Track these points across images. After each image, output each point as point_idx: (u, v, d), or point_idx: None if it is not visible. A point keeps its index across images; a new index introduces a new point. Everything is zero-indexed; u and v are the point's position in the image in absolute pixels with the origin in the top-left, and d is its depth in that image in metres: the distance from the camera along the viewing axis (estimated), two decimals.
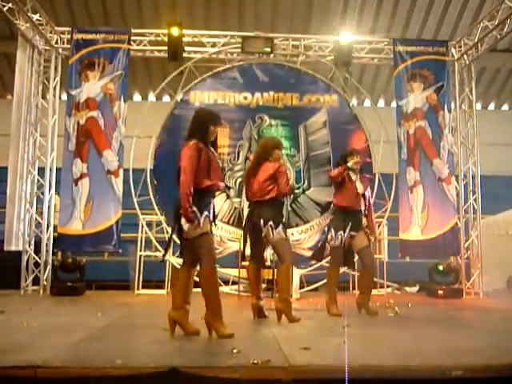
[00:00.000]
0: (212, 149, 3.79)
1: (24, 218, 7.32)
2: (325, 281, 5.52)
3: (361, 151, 7.85)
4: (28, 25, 7.30)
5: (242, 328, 4.04)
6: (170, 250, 7.32)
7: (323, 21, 10.54)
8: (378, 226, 7.83)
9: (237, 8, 10.83)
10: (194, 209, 3.53)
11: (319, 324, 4.51)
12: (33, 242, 7.39)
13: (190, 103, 7.98)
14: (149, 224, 7.76)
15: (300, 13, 10.85)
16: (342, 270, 5.70)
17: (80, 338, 3.46)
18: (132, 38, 7.84)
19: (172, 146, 7.31)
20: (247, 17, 10.90)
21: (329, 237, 5.08)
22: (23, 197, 7.34)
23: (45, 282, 7.26)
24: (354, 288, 7.22)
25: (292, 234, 7.35)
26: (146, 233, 7.54)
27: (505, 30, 7.35)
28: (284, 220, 4.81)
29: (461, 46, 8.18)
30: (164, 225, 7.56)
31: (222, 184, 3.81)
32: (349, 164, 5.16)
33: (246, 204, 5.65)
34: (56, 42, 7.82)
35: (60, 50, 7.87)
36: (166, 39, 7.81)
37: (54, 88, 7.76)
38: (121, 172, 7.44)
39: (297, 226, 7.81)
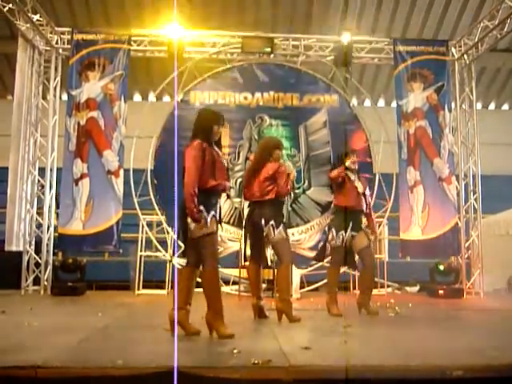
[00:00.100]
0: (216, 148, 3.79)
1: (25, 218, 7.32)
2: (325, 281, 5.53)
3: (361, 151, 7.94)
4: (28, 25, 7.30)
5: (243, 328, 4.04)
6: (170, 250, 7.39)
7: (323, 21, 10.56)
8: (379, 226, 7.83)
9: (237, 8, 10.83)
10: (202, 208, 3.53)
11: (320, 324, 4.51)
12: (33, 243, 7.39)
13: (190, 103, 7.99)
14: (149, 224, 7.77)
15: (300, 13, 10.85)
16: (343, 269, 5.70)
17: (80, 338, 3.46)
18: (132, 38, 7.84)
19: (172, 146, 7.31)
20: (247, 17, 10.89)
21: (329, 236, 5.08)
22: (24, 197, 7.34)
23: (45, 282, 7.26)
24: (354, 288, 7.23)
25: (292, 234, 7.35)
26: (146, 233, 7.54)
27: (505, 29, 7.34)
28: (284, 220, 4.82)
29: (461, 46, 8.17)
30: (164, 225, 7.56)
31: (227, 184, 3.80)
32: (346, 163, 5.16)
33: (246, 204, 5.64)
34: (56, 43, 7.82)
35: (60, 51, 7.87)
36: (166, 39, 7.80)
37: (55, 88, 7.76)
38: (121, 172, 7.44)
39: (297, 225, 7.81)
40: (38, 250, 7.36)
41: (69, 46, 7.73)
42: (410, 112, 7.90)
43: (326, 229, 5.23)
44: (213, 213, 3.60)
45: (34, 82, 7.56)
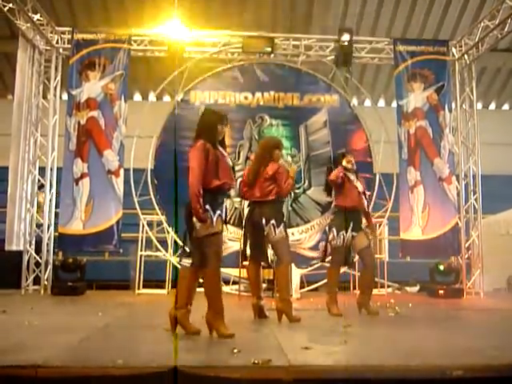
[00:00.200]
0: (221, 148, 3.78)
1: (25, 218, 7.32)
2: (325, 281, 5.53)
3: (361, 151, 7.96)
4: (29, 25, 7.30)
5: (243, 328, 4.04)
6: (171, 250, 7.40)
7: (324, 21, 10.57)
8: (379, 226, 7.84)
9: (237, 8, 10.83)
10: (208, 208, 3.53)
11: (320, 324, 4.51)
12: (33, 242, 7.39)
13: (191, 103, 7.99)
14: (149, 224, 7.78)
15: (300, 13, 10.86)
16: (343, 270, 5.70)
17: (81, 337, 3.46)
18: (132, 37, 7.85)
19: (172, 145, 7.33)
20: (248, 16, 10.90)
21: (330, 236, 5.08)
22: (24, 196, 7.34)
23: (45, 282, 7.26)
24: (354, 288, 7.23)
25: (292, 234, 7.35)
26: (146, 233, 7.55)
27: (505, 29, 7.34)
28: (284, 219, 4.82)
29: (461, 46, 8.17)
30: (164, 225, 7.56)
31: (233, 183, 3.79)
32: (343, 164, 5.15)
33: (245, 204, 5.64)
34: (57, 42, 7.82)
35: (61, 50, 7.88)
36: (166, 39, 7.79)
37: (55, 88, 7.76)
38: (121, 172, 7.44)
39: (297, 225, 7.81)
40: (38, 250, 7.37)
41: (69, 46, 7.73)
42: (410, 112, 7.90)
43: (327, 229, 5.22)
44: (219, 212, 3.60)
45: (34, 81, 7.56)
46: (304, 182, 7.96)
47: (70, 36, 7.75)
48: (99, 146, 7.47)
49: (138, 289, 7.23)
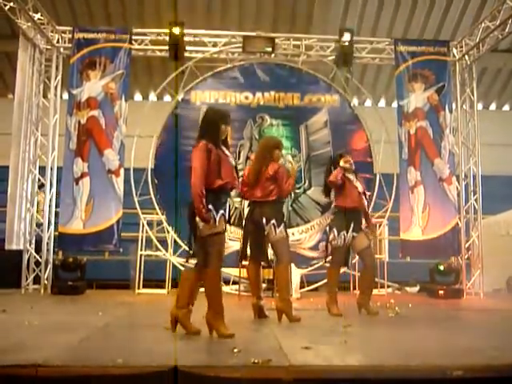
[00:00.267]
0: (224, 148, 3.77)
1: (25, 217, 7.32)
2: (325, 281, 5.53)
3: (361, 151, 7.97)
4: (29, 24, 7.31)
5: (243, 327, 4.04)
6: (171, 250, 7.40)
7: (324, 21, 10.57)
8: (379, 226, 7.84)
9: (238, 7, 10.84)
10: (211, 207, 3.53)
11: (320, 324, 4.51)
12: (34, 241, 7.39)
13: (191, 103, 7.99)
14: (149, 223, 7.78)
15: (301, 12, 10.86)
16: (343, 270, 5.70)
17: (81, 337, 3.46)
18: (133, 37, 7.84)
19: (173, 145, 7.33)
20: (248, 16, 10.91)
21: (331, 236, 5.07)
22: (24, 196, 7.34)
23: (46, 281, 7.26)
24: (354, 288, 7.23)
25: (293, 234, 7.36)
26: (146, 232, 7.55)
27: (506, 30, 7.34)
28: (285, 219, 4.82)
29: (462, 47, 8.17)
30: (165, 224, 7.57)
31: (236, 182, 3.78)
32: (341, 164, 5.13)
33: (246, 203, 5.64)
34: (57, 42, 7.82)
35: (61, 50, 7.88)
36: (167, 38, 7.81)
37: (55, 87, 7.76)
38: (122, 171, 7.44)
39: (297, 225, 7.81)
40: (38, 249, 7.37)
41: (70, 45, 7.74)
42: (410, 112, 7.90)
43: (327, 229, 5.21)
44: (222, 212, 3.59)
45: (34, 80, 7.56)
46: (304, 182, 7.97)
47: (70, 35, 7.75)
48: (99, 145, 7.47)
49: (138, 288, 7.23)
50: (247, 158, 7.69)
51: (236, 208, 7.61)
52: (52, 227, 7.49)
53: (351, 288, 7.39)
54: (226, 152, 3.76)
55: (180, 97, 7.97)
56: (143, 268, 7.29)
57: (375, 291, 6.57)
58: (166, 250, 7.44)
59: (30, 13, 7.14)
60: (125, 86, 7.68)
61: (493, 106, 14.09)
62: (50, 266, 7.31)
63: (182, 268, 7.25)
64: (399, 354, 3.06)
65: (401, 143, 7.88)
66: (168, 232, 7.51)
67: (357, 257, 5.94)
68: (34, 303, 5.68)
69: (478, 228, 7.80)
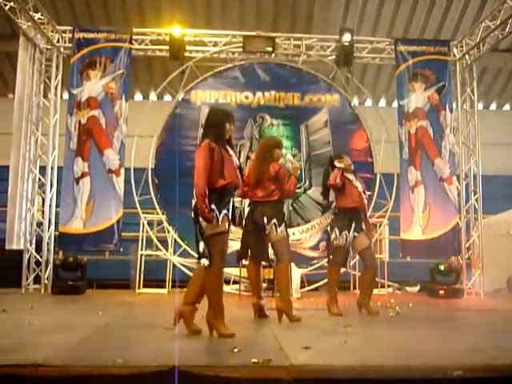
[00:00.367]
0: (228, 147, 3.76)
1: (25, 217, 7.32)
2: (325, 280, 5.53)
3: (362, 151, 7.97)
4: (29, 24, 7.30)
5: (243, 327, 4.04)
6: (171, 249, 7.40)
7: (325, 20, 10.57)
8: (379, 226, 7.84)
9: (238, 7, 10.83)
10: (213, 207, 3.53)
11: (320, 323, 4.51)
12: (34, 241, 7.39)
13: (192, 103, 7.99)
14: (150, 223, 7.77)
15: (302, 12, 10.86)
16: (343, 270, 5.69)
17: (81, 336, 3.47)
18: (133, 37, 7.83)
19: (173, 145, 7.33)
20: (248, 16, 10.91)
21: (333, 236, 5.06)
22: (24, 196, 7.35)
23: (46, 281, 7.27)
24: (354, 288, 7.23)
25: (293, 234, 7.35)
26: (147, 232, 7.55)
27: (506, 29, 7.33)
28: (285, 219, 4.82)
29: (462, 46, 8.17)
30: (165, 224, 7.57)
31: (239, 182, 3.77)
32: (337, 165, 5.12)
33: (246, 203, 5.64)
34: (57, 41, 7.82)
35: (61, 49, 7.87)
36: (167, 38, 7.81)
37: (56, 87, 7.75)
38: (122, 171, 7.44)
39: (298, 225, 7.81)
40: (38, 249, 7.37)
41: (70, 45, 7.73)
42: (411, 112, 7.90)
43: (329, 229, 5.19)
44: (225, 212, 3.59)
45: (35, 80, 7.56)
46: (305, 182, 7.97)
47: (70, 35, 7.74)
48: (100, 145, 7.47)
49: (139, 288, 7.23)
50: (247, 157, 7.68)
51: (236, 207, 7.59)
52: (52, 227, 7.49)
53: (351, 288, 7.38)
54: (230, 152, 3.76)
55: (180, 97, 7.97)
56: (143, 268, 7.28)
57: (375, 291, 6.57)
58: (167, 250, 7.44)
59: (31, 12, 7.14)
60: (125, 86, 7.68)
61: (493, 106, 14.09)
62: (50, 266, 7.31)
63: (183, 268, 7.27)
64: (399, 353, 3.06)
65: (401, 143, 7.87)
66: (168, 232, 7.51)
67: (357, 257, 5.94)
68: (34, 303, 5.67)
69: (478, 228, 7.80)
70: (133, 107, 7.83)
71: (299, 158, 7.96)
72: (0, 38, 11.13)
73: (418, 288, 8.29)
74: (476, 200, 7.90)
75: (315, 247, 7.72)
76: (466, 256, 7.78)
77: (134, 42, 7.85)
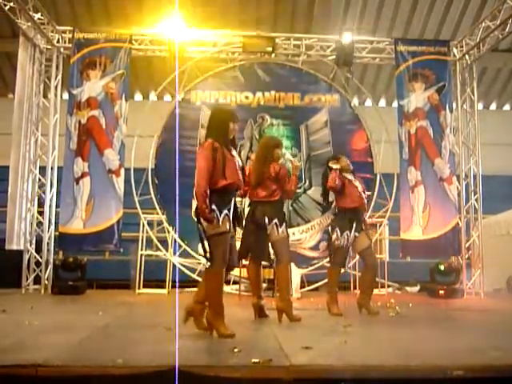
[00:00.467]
0: (231, 148, 3.75)
1: (25, 217, 7.32)
2: (325, 280, 5.53)
3: (362, 151, 7.97)
4: (29, 24, 7.30)
5: (243, 327, 4.04)
6: (171, 250, 7.40)
7: (325, 20, 10.55)
8: (379, 226, 7.84)
9: (238, 7, 10.82)
10: (214, 207, 3.52)
11: (320, 323, 4.51)
12: (34, 241, 7.39)
13: (191, 103, 7.99)
14: (150, 223, 7.77)
15: (301, 12, 10.85)
16: (343, 270, 5.69)
17: (81, 336, 3.47)
18: (133, 37, 7.84)
19: (173, 145, 7.32)
20: (248, 16, 10.89)
21: (334, 236, 5.05)
22: (24, 196, 7.34)
23: (46, 281, 7.26)
24: (354, 288, 7.23)
25: (293, 234, 7.35)
26: (147, 232, 7.55)
27: (506, 30, 7.34)
28: (286, 218, 4.82)
29: (462, 46, 8.17)
30: (165, 224, 7.56)
31: (240, 183, 3.76)
32: (334, 167, 5.10)
33: (246, 203, 5.64)
34: (57, 41, 7.82)
35: (61, 49, 7.87)
36: (167, 38, 7.78)
37: (56, 87, 7.75)
38: (122, 171, 7.44)
39: (298, 225, 7.81)
40: (38, 249, 7.37)
41: (70, 45, 7.74)
42: (411, 112, 7.90)
43: (329, 229, 5.19)
44: (225, 212, 3.58)
45: (35, 80, 7.56)
46: (305, 182, 7.97)
47: (70, 35, 7.74)
48: (100, 145, 7.47)
49: (139, 288, 7.22)
50: (247, 157, 7.67)
51: (236, 208, 7.59)
52: (52, 227, 7.49)
53: (351, 288, 7.38)
54: (233, 152, 3.74)
55: (180, 96, 7.97)
56: (143, 268, 7.28)
57: (376, 291, 6.57)
58: (167, 250, 7.43)
59: (30, 13, 7.14)
60: (125, 86, 7.68)
61: (493, 106, 14.08)
62: (50, 266, 7.31)
63: (183, 268, 7.27)
64: (399, 354, 3.06)
65: (401, 143, 7.87)
66: (168, 232, 7.51)
67: (357, 257, 5.93)
68: (34, 303, 5.67)
69: (478, 228, 7.80)
70: (133, 107, 7.84)
71: (299, 158, 7.95)
72: (0, 37, 11.12)
73: (417, 288, 8.29)
74: (476, 200, 7.90)
75: (315, 247, 7.72)
76: (466, 256, 7.78)
77: (133, 42, 7.85)
